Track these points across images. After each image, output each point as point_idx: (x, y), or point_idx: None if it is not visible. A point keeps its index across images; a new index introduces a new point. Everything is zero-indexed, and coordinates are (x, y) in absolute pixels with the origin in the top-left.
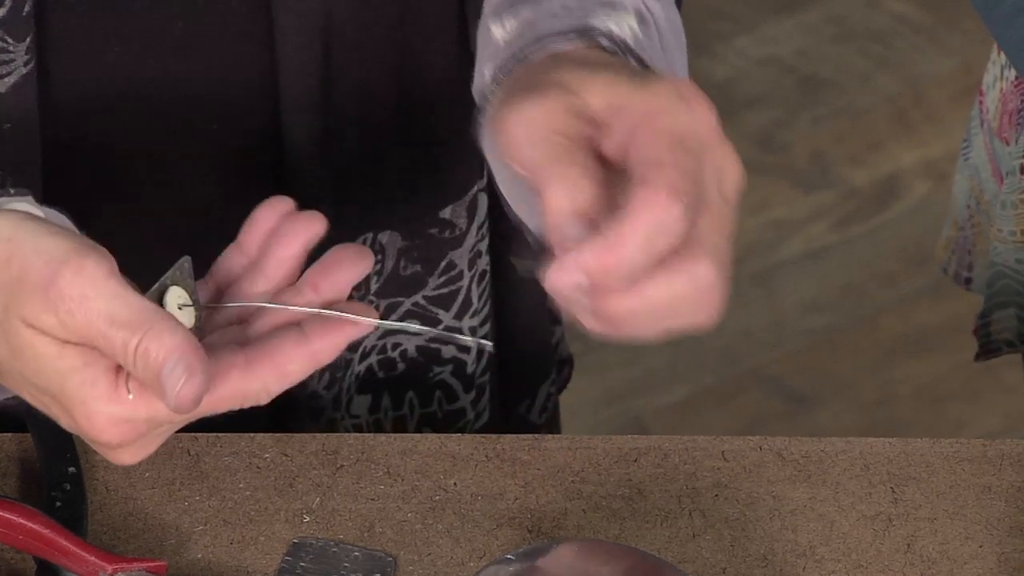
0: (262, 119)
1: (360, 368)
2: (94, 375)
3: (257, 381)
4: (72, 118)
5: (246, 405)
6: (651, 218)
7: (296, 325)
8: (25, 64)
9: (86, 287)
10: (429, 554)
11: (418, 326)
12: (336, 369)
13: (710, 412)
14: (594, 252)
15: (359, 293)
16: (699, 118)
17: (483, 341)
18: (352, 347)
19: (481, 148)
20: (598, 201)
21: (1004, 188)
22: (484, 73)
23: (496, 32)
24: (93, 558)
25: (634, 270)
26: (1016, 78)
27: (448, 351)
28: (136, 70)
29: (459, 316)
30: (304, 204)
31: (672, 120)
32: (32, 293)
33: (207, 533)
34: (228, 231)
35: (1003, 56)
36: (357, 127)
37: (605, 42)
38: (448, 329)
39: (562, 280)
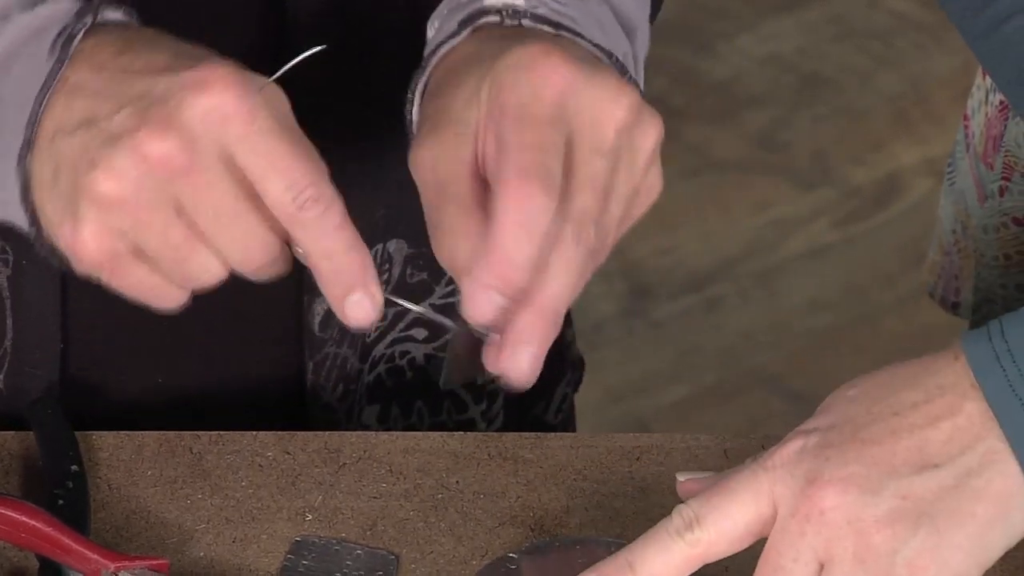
0: None
1: (369, 378)
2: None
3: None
4: None
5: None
6: (515, 210)
7: None
8: None
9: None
10: (431, 552)
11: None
12: (349, 381)
13: (711, 412)
14: (487, 268)
15: None
16: (541, 83)
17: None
18: (362, 357)
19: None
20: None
21: (984, 212)
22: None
23: (429, 31)
24: (95, 556)
25: (531, 261)
26: (1000, 103)
27: None
28: None
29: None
30: None
31: (514, 96)
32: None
33: (209, 531)
34: None
35: (988, 81)
36: (359, 130)
37: (493, 18)
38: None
39: (481, 309)
